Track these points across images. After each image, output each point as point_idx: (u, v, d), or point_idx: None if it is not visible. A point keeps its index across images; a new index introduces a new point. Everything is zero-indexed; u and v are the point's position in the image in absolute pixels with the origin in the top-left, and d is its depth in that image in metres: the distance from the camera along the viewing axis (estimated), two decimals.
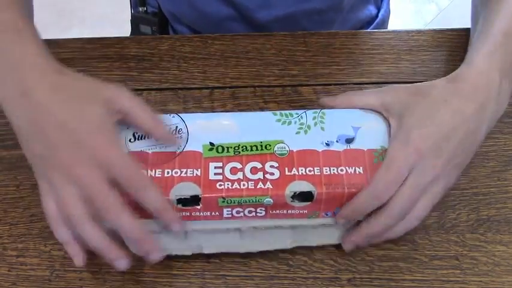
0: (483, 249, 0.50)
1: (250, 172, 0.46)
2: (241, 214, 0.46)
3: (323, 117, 0.49)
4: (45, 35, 0.49)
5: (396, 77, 0.61)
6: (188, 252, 0.48)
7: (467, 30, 0.62)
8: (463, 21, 0.64)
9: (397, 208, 0.45)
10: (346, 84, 0.60)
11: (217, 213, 0.46)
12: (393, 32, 0.64)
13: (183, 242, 0.48)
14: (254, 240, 0.48)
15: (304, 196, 0.45)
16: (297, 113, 0.49)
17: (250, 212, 0.46)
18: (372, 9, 0.79)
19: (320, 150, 0.47)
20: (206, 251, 0.48)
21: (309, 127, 0.48)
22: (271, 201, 0.45)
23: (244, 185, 0.45)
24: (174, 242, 0.47)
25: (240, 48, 0.63)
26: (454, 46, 0.62)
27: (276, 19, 0.69)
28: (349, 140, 0.47)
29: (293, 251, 0.50)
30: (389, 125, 0.48)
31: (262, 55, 0.62)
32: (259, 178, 0.45)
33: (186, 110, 0.58)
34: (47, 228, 0.51)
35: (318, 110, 0.50)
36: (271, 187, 0.45)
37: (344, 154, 0.47)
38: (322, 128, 0.48)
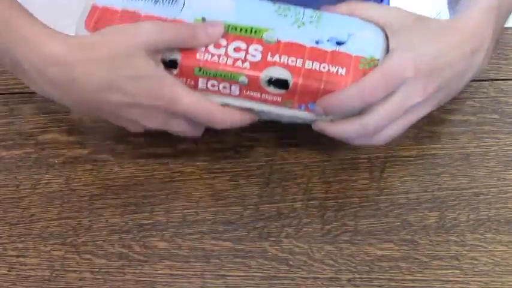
0: (483, 249, 0.50)
1: (233, 50, 0.47)
2: (216, 88, 0.47)
3: (320, 17, 0.49)
4: None
5: None
6: None
7: None
8: None
9: (374, 121, 0.46)
10: None
11: (192, 82, 0.47)
12: None
13: None
14: None
15: (280, 83, 0.46)
16: (295, 9, 0.49)
17: (224, 88, 0.47)
18: None
19: (308, 46, 0.47)
20: None
21: (303, 23, 0.48)
22: (246, 80, 0.46)
23: (223, 59, 0.46)
24: None
25: None
26: None
27: None
28: (339, 43, 0.47)
29: (293, 251, 0.50)
30: (386, 40, 0.48)
31: None
32: (240, 57, 0.46)
33: None
34: (47, 228, 0.52)
35: (318, 11, 0.49)
36: (249, 67, 0.46)
37: (331, 54, 0.47)
38: (317, 27, 0.48)
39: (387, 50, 0.47)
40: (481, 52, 0.48)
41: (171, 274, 0.49)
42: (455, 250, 0.50)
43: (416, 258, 0.50)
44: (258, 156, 0.55)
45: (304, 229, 0.51)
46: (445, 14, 0.58)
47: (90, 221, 0.52)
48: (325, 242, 0.51)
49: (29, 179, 0.54)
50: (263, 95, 0.47)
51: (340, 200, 0.52)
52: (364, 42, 0.47)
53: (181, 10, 0.48)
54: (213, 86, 0.47)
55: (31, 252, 0.50)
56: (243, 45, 0.47)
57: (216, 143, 0.55)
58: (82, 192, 0.53)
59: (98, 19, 0.47)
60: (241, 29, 0.47)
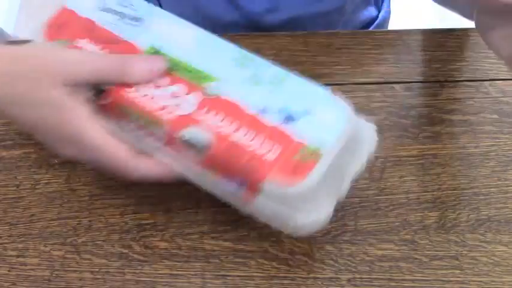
0: (483, 249, 0.50)
1: (170, 94, 0.42)
2: (139, 132, 0.43)
3: (284, 80, 0.44)
4: None
5: (396, 77, 0.61)
6: None
7: (467, 30, 0.63)
8: (463, 21, 0.64)
9: None
10: (346, 84, 0.60)
11: (118, 119, 0.43)
12: (393, 32, 0.64)
13: None
14: None
15: (195, 148, 0.41)
16: (262, 62, 0.45)
17: (146, 134, 0.43)
18: (372, 10, 0.79)
19: (249, 112, 0.42)
20: None
21: (260, 81, 0.43)
22: (165, 134, 0.42)
23: (152, 103, 0.42)
24: None
25: None
26: (454, 46, 0.62)
27: (281, 23, 0.69)
28: (289, 118, 0.42)
29: (293, 251, 0.50)
30: (352, 123, 0.43)
31: (263, 55, 0.62)
32: (172, 105, 0.42)
33: None
34: (47, 228, 0.52)
35: (287, 72, 0.45)
36: (172, 119, 0.41)
37: (270, 130, 0.41)
38: (273, 91, 0.43)
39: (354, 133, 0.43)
40: None
41: (171, 274, 0.49)
42: (455, 250, 0.50)
43: (416, 258, 0.50)
44: None
45: None
46: (445, 14, 0.58)
47: (90, 221, 0.52)
48: (325, 242, 0.50)
49: (29, 179, 0.54)
50: (183, 155, 0.42)
51: (340, 200, 0.52)
52: (319, 126, 0.42)
53: (141, 33, 0.45)
54: (136, 129, 0.43)
55: (31, 252, 0.50)
56: (183, 91, 0.42)
57: None
58: (82, 192, 0.53)
59: (59, 23, 0.45)
60: (189, 71, 0.43)
